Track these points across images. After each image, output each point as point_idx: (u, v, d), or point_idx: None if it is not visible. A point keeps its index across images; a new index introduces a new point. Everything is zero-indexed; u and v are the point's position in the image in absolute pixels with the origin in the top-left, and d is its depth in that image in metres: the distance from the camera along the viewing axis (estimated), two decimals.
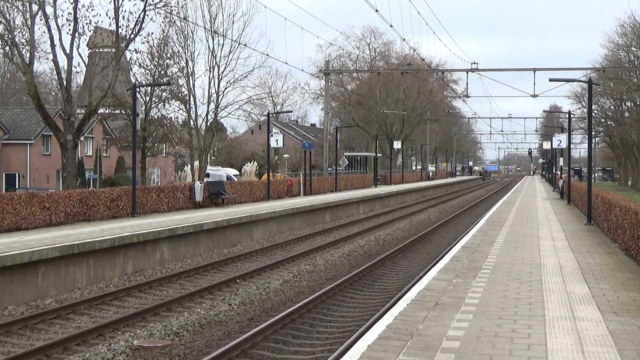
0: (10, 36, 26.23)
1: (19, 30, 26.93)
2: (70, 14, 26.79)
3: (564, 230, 22.11)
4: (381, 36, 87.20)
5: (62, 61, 27.97)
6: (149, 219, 23.82)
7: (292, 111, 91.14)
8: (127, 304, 15.01)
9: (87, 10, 27.44)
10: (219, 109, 40.31)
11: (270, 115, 43.14)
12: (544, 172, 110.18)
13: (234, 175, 57.54)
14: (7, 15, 26.71)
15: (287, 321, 12.95)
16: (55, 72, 31.46)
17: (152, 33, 38.76)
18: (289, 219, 29.93)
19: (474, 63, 48.72)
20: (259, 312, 14.11)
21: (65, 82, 27.43)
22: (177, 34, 38.47)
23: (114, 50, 29.20)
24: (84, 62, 30.23)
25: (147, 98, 37.62)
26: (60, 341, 11.50)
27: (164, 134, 41.40)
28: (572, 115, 42.12)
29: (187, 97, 39.37)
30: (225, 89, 40.20)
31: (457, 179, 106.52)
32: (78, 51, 27.91)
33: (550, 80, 26.98)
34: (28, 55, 26.71)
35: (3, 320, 13.07)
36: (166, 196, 27.35)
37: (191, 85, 39.21)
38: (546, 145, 64.57)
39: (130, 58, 35.85)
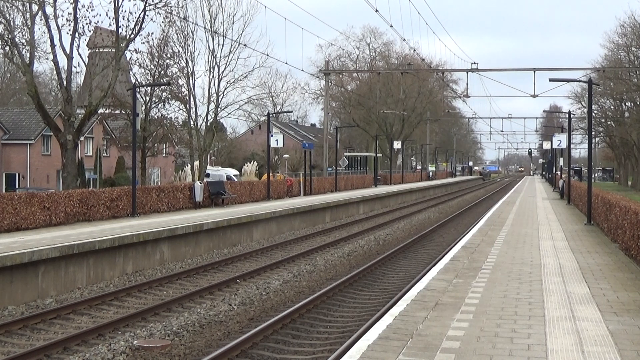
0: (10, 36, 26.23)
1: (19, 30, 26.95)
2: (70, 14, 26.82)
3: (564, 230, 22.11)
4: (381, 36, 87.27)
5: (62, 61, 28.02)
6: (149, 219, 23.82)
7: (292, 111, 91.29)
8: (127, 304, 15.00)
9: (87, 10, 27.50)
10: (219, 109, 40.29)
11: (270, 115, 43.13)
12: (544, 172, 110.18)
13: (234, 175, 57.52)
14: (7, 15, 26.72)
15: (287, 321, 12.95)
16: (55, 72, 31.50)
17: (152, 33, 38.79)
18: (289, 219, 29.93)
19: (474, 63, 48.77)
20: (259, 312, 14.11)
21: (65, 82, 27.43)
22: (177, 34, 38.48)
23: (114, 50, 29.21)
24: (84, 62, 30.24)
25: (147, 98, 37.61)
26: (60, 341, 11.50)
27: (164, 134, 41.39)
28: (572, 115, 42.14)
29: (187, 97, 39.36)
30: (225, 89, 40.21)
31: (457, 179, 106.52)
32: (78, 51, 27.95)
33: (550, 80, 27.01)
34: (28, 55, 26.72)
35: (3, 320, 13.07)
36: (166, 196, 27.35)
37: (191, 85, 39.23)
38: (546, 145, 64.58)
39: (130, 58, 35.87)
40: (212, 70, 39.20)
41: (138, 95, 29.22)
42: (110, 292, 15.63)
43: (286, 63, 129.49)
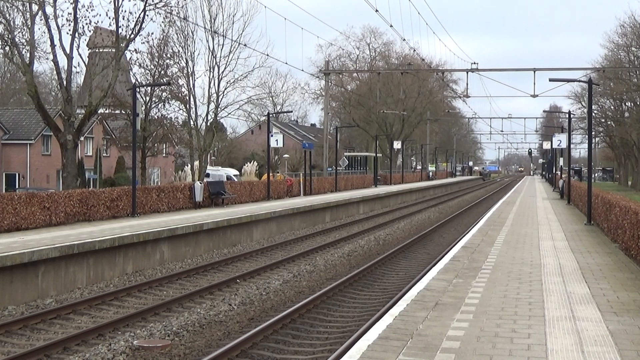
0: (10, 36, 26.23)
1: (19, 30, 26.96)
2: (70, 14, 26.83)
3: (564, 230, 22.11)
4: (381, 36, 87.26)
5: (62, 61, 28.02)
6: (149, 219, 23.82)
7: (292, 111, 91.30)
8: (127, 304, 15.01)
9: (87, 10, 27.51)
10: (219, 109, 40.30)
11: (270, 115, 43.12)
12: (544, 172, 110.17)
13: (234, 175, 57.53)
14: (7, 15, 26.73)
15: (287, 321, 12.95)
16: (55, 72, 31.49)
17: (152, 33, 38.80)
18: (289, 219, 29.93)
19: (474, 63, 48.75)
20: (259, 312, 14.11)
21: (65, 82, 27.43)
22: (177, 34, 38.48)
23: (114, 50, 29.20)
24: (84, 62, 30.26)
25: (147, 98, 37.61)
26: (60, 341, 11.50)
27: (164, 134, 41.38)
28: (572, 115, 42.13)
29: (187, 97, 39.37)
30: (225, 89, 40.21)
31: (457, 179, 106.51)
32: (78, 51, 27.96)
33: (550, 80, 27.00)
34: (28, 55, 26.71)
35: (3, 320, 13.07)
36: (166, 196, 27.34)
37: (191, 85, 39.24)
38: (546, 145, 64.57)
39: (130, 58, 35.87)
40: (212, 70, 39.25)
41: (138, 95, 29.22)
42: (110, 292, 15.63)
43: (286, 63, 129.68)
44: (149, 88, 36.87)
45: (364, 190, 52.42)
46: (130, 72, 38.23)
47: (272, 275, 18.34)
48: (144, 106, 35.86)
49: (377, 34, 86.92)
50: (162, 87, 36.81)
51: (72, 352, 11.22)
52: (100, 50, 35.40)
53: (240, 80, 41.36)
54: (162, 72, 38.01)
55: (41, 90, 51.24)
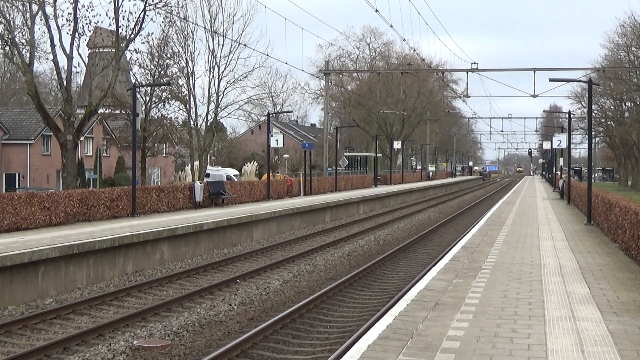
0: (10, 36, 26.23)
1: (19, 30, 26.96)
2: (70, 14, 26.83)
3: (564, 230, 22.11)
4: (381, 36, 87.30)
5: (62, 61, 28.02)
6: (149, 219, 23.82)
7: (292, 111, 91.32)
8: (127, 304, 15.01)
9: (87, 10, 27.51)
10: (219, 109, 40.31)
11: (270, 115, 43.13)
12: (544, 172, 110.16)
13: (234, 175, 57.52)
14: (7, 15, 26.72)
15: (287, 321, 12.95)
16: (55, 72, 31.50)
17: (152, 33, 38.79)
18: (289, 219, 29.93)
19: (474, 63, 48.75)
20: (259, 312, 14.12)
21: (65, 82, 27.43)
22: (177, 34, 38.50)
23: (114, 50, 29.21)
24: (84, 62, 30.26)
25: (147, 98, 37.61)
26: (60, 341, 11.50)
27: (164, 134, 41.38)
28: (572, 115, 42.13)
29: (187, 97, 39.37)
30: (225, 89, 40.22)
31: (457, 179, 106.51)
32: (78, 51, 27.96)
33: (550, 80, 27.01)
34: (28, 55, 26.72)
35: (3, 320, 13.07)
36: (166, 196, 27.34)
37: (191, 85, 39.25)
38: (546, 145, 64.58)
39: (130, 58, 35.86)
40: (212, 70, 39.26)
41: (138, 95, 29.22)
42: (110, 292, 15.63)
43: (286, 63, 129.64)
44: (149, 88, 36.87)
45: (364, 190, 52.43)
46: (130, 72, 38.23)
47: (272, 275, 18.34)
48: (144, 106, 35.85)
49: (377, 34, 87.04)
50: (162, 87, 36.81)
51: (72, 352, 11.22)
52: (100, 50, 35.38)
53: (240, 80, 41.43)
54: (162, 72, 38.01)
55: (41, 90, 51.26)
